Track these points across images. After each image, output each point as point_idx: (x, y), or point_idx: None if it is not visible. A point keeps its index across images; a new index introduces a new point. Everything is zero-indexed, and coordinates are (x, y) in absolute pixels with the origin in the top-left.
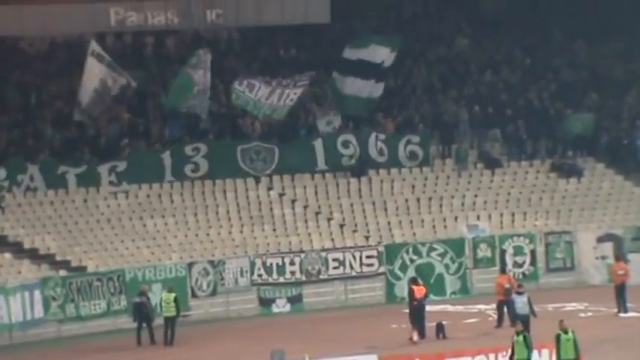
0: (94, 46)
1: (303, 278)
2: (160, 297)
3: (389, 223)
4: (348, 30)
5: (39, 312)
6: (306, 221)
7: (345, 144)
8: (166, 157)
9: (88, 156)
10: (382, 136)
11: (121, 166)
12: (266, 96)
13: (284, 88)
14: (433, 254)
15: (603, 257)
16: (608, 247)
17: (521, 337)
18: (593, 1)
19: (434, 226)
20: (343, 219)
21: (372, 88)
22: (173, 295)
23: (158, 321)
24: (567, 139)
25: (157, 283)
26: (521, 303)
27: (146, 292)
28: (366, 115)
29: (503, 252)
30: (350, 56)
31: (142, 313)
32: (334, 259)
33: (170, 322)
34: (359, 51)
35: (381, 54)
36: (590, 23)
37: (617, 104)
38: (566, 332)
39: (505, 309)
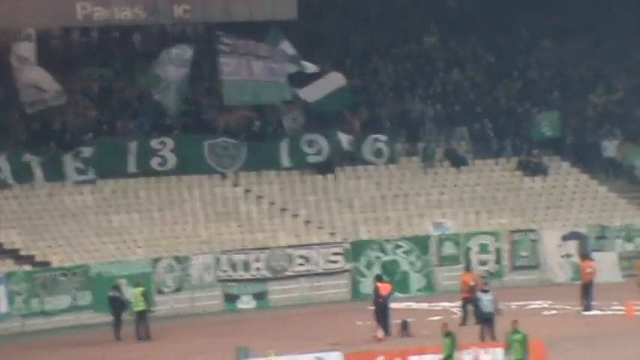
0: (19, 51)
1: (269, 275)
2: (130, 292)
3: (355, 220)
4: (314, 28)
5: (3, 307)
6: (271, 218)
7: (311, 143)
8: (132, 147)
9: (54, 148)
10: (349, 135)
11: (87, 152)
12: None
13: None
14: (399, 252)
15: (568, 255)
16: (572, 246)
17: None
18: (559, 0)
19: (399, 224)
20: (309, 216)
21: (329, 83)
22: (141, 289)
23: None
24: (533, 137)
25: (122, 279)
26: (486, 301)
27: (120, 286)
28: (332, 113)
29: (468, 250)
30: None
31: (116, 306)
32: (300, 256)
33: (141, 316)
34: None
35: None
36: (556, 22)
37: (582, 103)
38: (516, 332)
39: (470, 307)
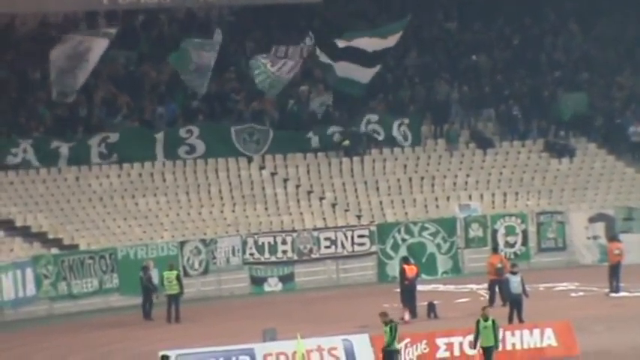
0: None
1: (295, 257)
2: (159, 275)
3: (381, 202)
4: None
5: (31, 290)
6: (298, 201)
7: (336, 126)
8: (159, 138)
9: (80, 134)
10: (375, 117)
11: (113, 137)
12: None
13: (284, 59)
14: (425, 234)
15: (595, 237)
16: (599, 227)
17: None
18: None
19: (426, 206)
20: (335, 198)
21: (362, 73)
22: (175, 272)
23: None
24: (560, 119)
25: (150, 261)
26: (515, 283)
27: (150, 267)
28: (358, 97)
29: (494, 232)
30: (341, 44)
31: (148, 288)
32: (326, 239)
33: (174, 299)
34: (352, 40)
35: (374, 44)
36: (583, 4)
37: (609, 85)
38: (486, 319)
39: (497, 289)
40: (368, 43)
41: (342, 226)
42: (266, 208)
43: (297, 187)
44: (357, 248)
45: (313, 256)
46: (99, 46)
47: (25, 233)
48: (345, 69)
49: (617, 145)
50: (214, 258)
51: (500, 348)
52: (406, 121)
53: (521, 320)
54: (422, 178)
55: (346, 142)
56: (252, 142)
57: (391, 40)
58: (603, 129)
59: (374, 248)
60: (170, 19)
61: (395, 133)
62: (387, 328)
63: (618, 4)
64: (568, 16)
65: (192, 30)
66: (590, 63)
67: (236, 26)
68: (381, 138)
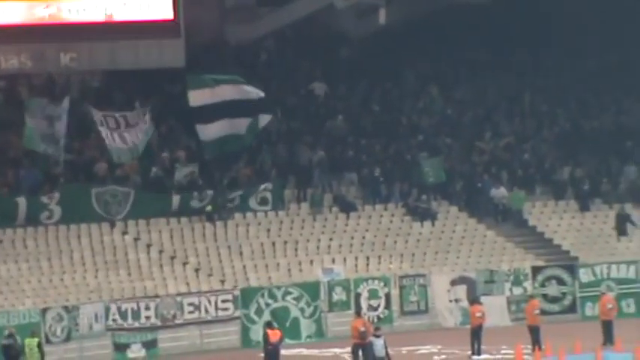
0: None
1: (159, 323)
2: (23, 342)
3: (244, 267)
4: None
5: None
6: (161, 266)
7: (201, 196)
8: (21, 203)
9: None
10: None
11: None
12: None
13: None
14: (288, 298)
15: (457, 300)
16: (461, 290)
17: None
18: (445, 47)
19: (289, 270)
20: (199, 263)
21: (238, 125)
22: (36, 339)
23: None
24: (422, 183)
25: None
26: (379, 346)
27: (14, 333)
28: (223, 160)
29: (358, 295)
30: (197, 102)
31: (11, 355)
32: (189, 304)
33: None
34: (203, 92)
35: (227, 91)
36: (443, 69)
37: (469, 148)
38: None
39: (360, 352)
40: (233, 92)
41: (206, 291)
42: (129, 274)
43: (161, 252)
44: (220, 313)
45: (177, 321)
46: None
47: None
48: (219, 128)
49: (478, 208)
50: (77, 325)
51: None
52: (269, 186)
53: None
54: (285, 242)
55: (209, 208)
56: (114, 204)
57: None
58: (464, 192)
59: (237, 313)
60: (30, 85)
61: (254, 199)
62: None
63: (479, 69)
64: (429, 81)
65: (50, 95)
66: (450, 126)
67: (99, 91)
68: (242, 203)
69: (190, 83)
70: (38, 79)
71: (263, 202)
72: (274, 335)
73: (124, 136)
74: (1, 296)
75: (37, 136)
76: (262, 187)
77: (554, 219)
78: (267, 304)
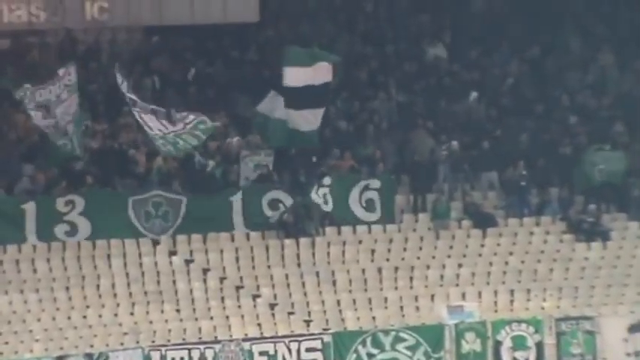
0: None
1: None
2: None
3: (338, 302)
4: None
5: None
6: (222, 299)
7: (275, 195)
8: (29, 211)
9: None
10: (326, 181)
11: None
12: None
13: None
14: (400, 347)
15: (637, 353)
16: None
17: None
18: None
19: (402, 308)
20: (274, 296)
21: (309, 117)
22: None
23: None
24: (590, 187)
25: None
26: None
27: None
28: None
29: (497, 344)
30: (293, 82)
31: None
32: (261, 353)
33: None
34: (300, 71)
35: (323, 72)
36: (621, 31)
37: None
38: None
39: None
40: (307, 75)
41: (285, 336)
42: (177, 310)
43: (222, 279)
44: None
45: None
46: None
47: None
48: (285, 116)
49: None
50: None
51: None
52: (374, 184)
53: None
54: (396, 269)
55: (285, 216)
56: (157, 218)
57: (327, 69)
58: None
59: None
60: (44, 45)
61: (357, 202)
62: None
63: None
64: (600, 45)
65: (75, 59)
66: (630, 109)
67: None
68: (333, 210)
69: (288, 58)
70: (54, 38)
71: (369, 208)
72: None
73: (174, 117)
74: (1, 339)
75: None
76: (360, 188)
77: None
78: (371, 355)
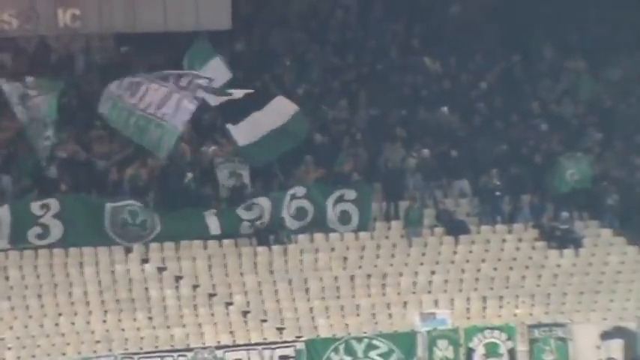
0: None
1: None
2: None
3: (311, 309)
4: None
5: None
6: (195, 307)
7: (249, 204)
8: (4, 214)
9: None
10: (301, 190)
11: None
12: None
13: (180, 90)
14: (373, 354)
15: None
16: (616, 347)
17: None
18: (596, 8)
19: (374, 315)
20: (247, 304)
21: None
22: None
23: None
24: (561, 194)
25: None
26: None
27: None
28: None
29: (470, 351)
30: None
31: None
32: None
33: None
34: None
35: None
36: (593, 39)
37: (627, 145)
38: None
39: None
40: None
41: (258, 343)
42: (150, 318)
43: (195, 287)
44: None
45: None
46: None
47: None
48: (246, 130)
49: None
50: None
51: None
52: (350, 195)
53: None
54: (368, 276)
55: (259, 223)
56: (134, 226)
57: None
58: (621, 209)
59: None
60: (16, 51)
61: (330, 212)
62: None
63: None
64: (572, 54)
65: (45, 67)
66: (602, 116)
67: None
68: (309, 219)
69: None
70: (28, 45)
71: (343, 218)
72: None
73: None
74: None
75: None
76: (335, 196)
77: None
78: None
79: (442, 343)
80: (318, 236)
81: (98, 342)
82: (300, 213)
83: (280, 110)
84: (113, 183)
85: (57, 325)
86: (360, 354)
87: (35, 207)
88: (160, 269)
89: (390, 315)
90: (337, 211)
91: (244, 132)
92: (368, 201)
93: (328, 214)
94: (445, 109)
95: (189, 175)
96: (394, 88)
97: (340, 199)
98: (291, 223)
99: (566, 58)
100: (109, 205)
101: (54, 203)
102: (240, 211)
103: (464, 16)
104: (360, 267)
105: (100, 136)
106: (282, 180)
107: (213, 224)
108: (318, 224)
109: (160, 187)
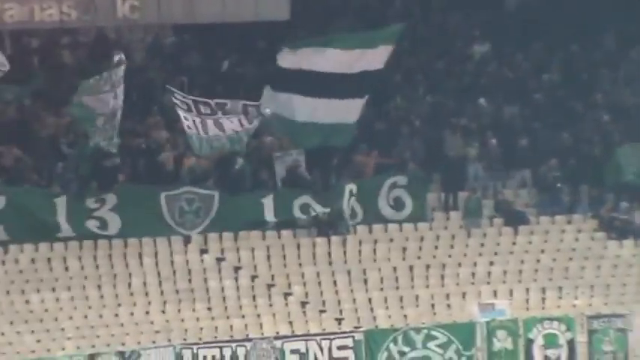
0: None
1: None
2: None
3: (370, 300)
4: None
5: None
6: (254, 297)
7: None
8: (60, 205)
9: None
10: (353, 189)
11: None
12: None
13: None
14: (431, 345)
15: None
16: None
17: None
18: None
19: (433, 305)
20: (306, 294)
21: (345, 109)
22: None
23: None
24: (621, 184)
25: None
26: None
27: None
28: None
29: (529, 343)
30: (329, 67)
31: None
32: (293, 351)
33: None
34: (343, 55)
35: (356, 59)
36: None
37: None
38: None
39: None
40: (348, 59)
41: (316, 334)
42: (209, 308)
43: (253, 278)
44: None
45: None
46: None
47: None
48: (317, 108)
49: None
50: None
51: None
52: (402, 181)
53: None
54: (427, 267)
55: (322, 212)
56: (189, 214)
57: (381, 55)
58: None
59: None
60: (75, 43)
61: (384, 200)
62: None
63: None
64: (633, 43)
65: (103, 58)
66: None
67: (167, 50)
68: (364, 215)
69: (332, 40)
70: (85, 37)
71: (398, 206)
72: None
73: (221, 122)
74: (33, 337)
75: (91, 114)
76: (389, 184)
77: None
78: (402, 353)
79: (501, 334)
80: (377, 227)
81: (157, 332)
82: (356, 214)
83: (349, 109)
84: (170, 173)
85: (116, 315)
86: (418, 345)
87: (90, 201)
88: (219, 260)
89: (449, 306)
90: (391, 198)
91: (307, 108)
92: (422, 189)
93: (379, 203)
94: (482, 100)
95: (240, 160)
96: (455, 77)
97: (394, 186)
98: (348, 216)
99: (628, 46)
100: (163, 195)
101: (110, 197)
102: (296, 201)
103: (524, 7)
104: (418, 258)
105: (157, 123)
106: (339, 168)
107: (269, 212)
108: (372, 215)
109: (218, 174)
